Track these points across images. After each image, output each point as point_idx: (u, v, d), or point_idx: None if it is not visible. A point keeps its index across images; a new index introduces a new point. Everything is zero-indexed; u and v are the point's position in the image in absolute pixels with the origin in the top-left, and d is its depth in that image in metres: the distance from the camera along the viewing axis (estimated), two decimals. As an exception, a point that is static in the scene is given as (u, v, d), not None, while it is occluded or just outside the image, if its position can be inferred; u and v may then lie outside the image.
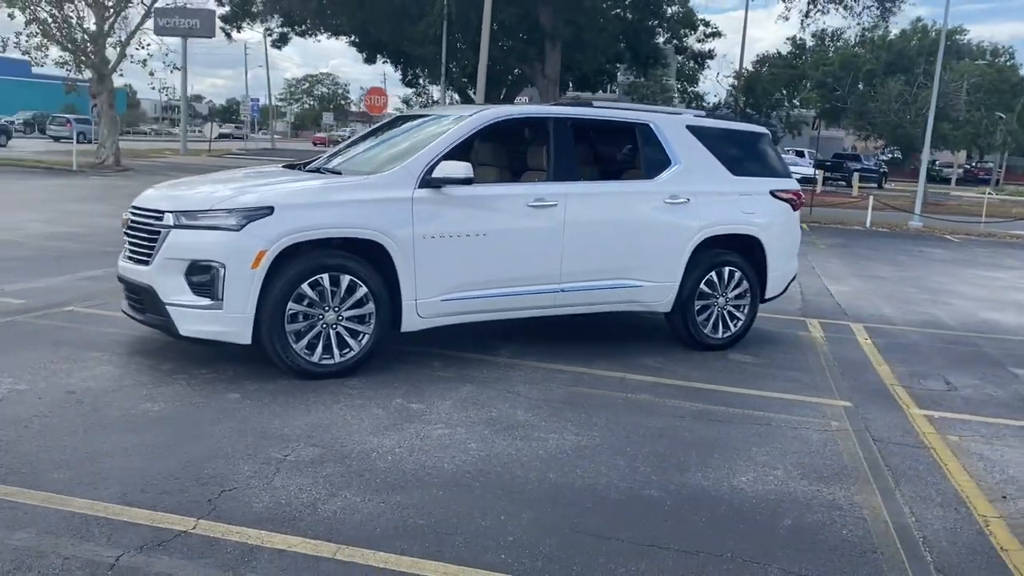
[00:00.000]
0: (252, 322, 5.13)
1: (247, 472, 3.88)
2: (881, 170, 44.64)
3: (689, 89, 46.14)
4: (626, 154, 6.91)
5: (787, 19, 67.78)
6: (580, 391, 5.53)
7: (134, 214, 5.56)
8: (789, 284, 7.56)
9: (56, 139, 43.29)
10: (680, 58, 42.64)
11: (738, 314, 7.00)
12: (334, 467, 3.99)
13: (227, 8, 35.24)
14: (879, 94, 36.99)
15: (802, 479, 4.26)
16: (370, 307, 5.47)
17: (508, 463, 4.20)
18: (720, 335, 6.92)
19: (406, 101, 52.21)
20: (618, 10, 33.90)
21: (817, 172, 36.17)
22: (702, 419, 5.11)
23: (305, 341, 5.30)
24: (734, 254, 6.93)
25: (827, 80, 39.44)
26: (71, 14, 27.63)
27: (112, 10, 28.48)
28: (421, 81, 38.04)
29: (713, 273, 6.79)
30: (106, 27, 28.51)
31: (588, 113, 6.56)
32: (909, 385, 6.24)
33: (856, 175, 36.46)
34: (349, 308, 5.42)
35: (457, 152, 5.86)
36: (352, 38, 35.36)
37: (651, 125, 6.68)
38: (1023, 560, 3.54)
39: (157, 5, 36.04)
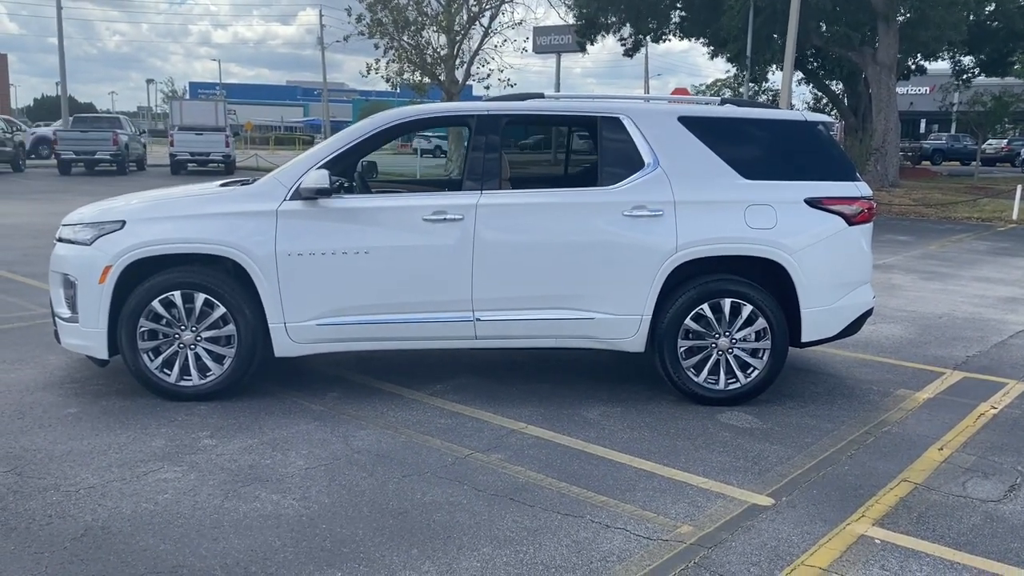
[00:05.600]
0: (106, 337, 5.09)
1: (-95, 494, 3.82)
2: None
3: None
4: (582, 156, 5.61)
5: None
6: (426, 442, 4.60)
7: (67, 227, 5.85)
8: (856, 323, 5.55)
9: (421, 152, 42.95)
10: None
11: (752, 360, 5.32)
12: (-21, 500, 3.77)
13: (581, 22, 36.29)
14: None
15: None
16: (231, 328, 5.13)
17: (129, 517, 3.60)
18: (722, 386, 5.32)
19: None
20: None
21: None
22: (502, 499, 3.93)
23: (161, 360, 5.14)
24: (741, 282, 5.28)
25: None
26: (424, 43, 30.69)
27: (460, 34, 31.07)
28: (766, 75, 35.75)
29: (706, 305, 5.24)
30: (455, 50, 31.20)
31: (527, 108, 5.42)
32: (930, 486, 4.19)
33: None
34: (208, 328, 5.13)
35: (345, 160, 5.27)
36: (704, 39, 34.46)
37: (622, 119, 5.34)
38: None
39: (537, 24, 38.95)
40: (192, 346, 5.14)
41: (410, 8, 30.27)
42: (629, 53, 37.77)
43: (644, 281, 5.19)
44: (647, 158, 5.27)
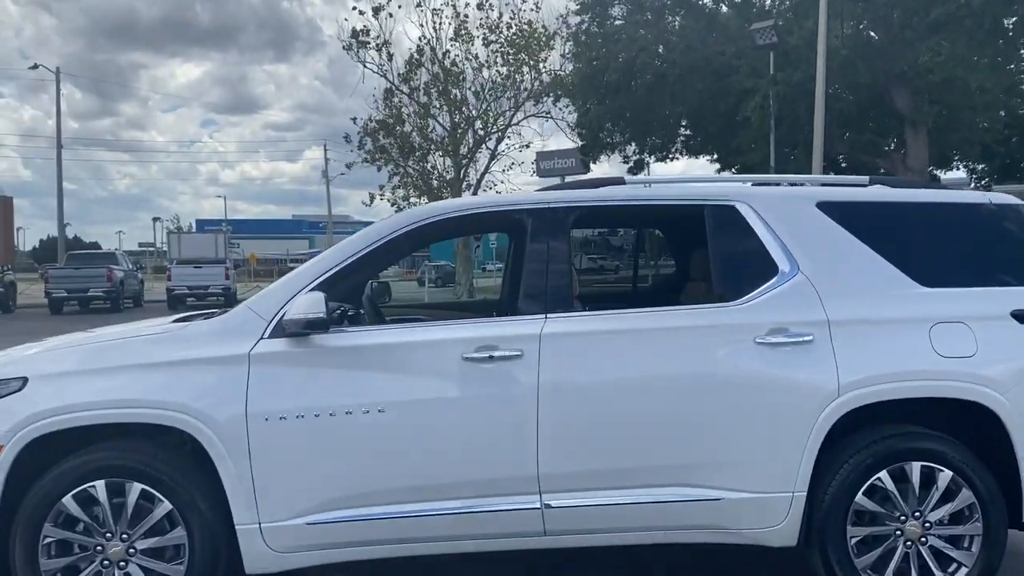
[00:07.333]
0: (-10, 554, 3.38)
1: None
2: None
3: None
4: (687, 260, 4.05)
5: None
6: None
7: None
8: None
9: (421, 283, 38.79)
10: None
11: (956, 554, 3.57)
12: None
13: (583, 142, 35.75)
14: None
15: None
16: (179, 533, 3.42)
17: None
18: (917, 597, 3.54)
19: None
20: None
21: None
22: None
23: (76, 585, 3.41)
24: (933, 436, 3.60)
25: None
26: (430, 168, 30.08)
27: (466, 158, 30.46)
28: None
29: (884, 473, 3.54)
30: (461, 174, 30.49)
31: (604, 198, 3.88)
32: None
33: None
34: (147, 535, 3.42)
35: (350, 277, 3.69)
36: (713, 156, 33.92)
37: (739, 207, 3.79)
38: None
39: (539, 149, 38.40)
40: (123, 563, 3.41)
41: (414, 134, 29.77)
42: (632, 171, 37.09)
43: (793, 440, 3.51)
44: (781, 262, 3.69)
